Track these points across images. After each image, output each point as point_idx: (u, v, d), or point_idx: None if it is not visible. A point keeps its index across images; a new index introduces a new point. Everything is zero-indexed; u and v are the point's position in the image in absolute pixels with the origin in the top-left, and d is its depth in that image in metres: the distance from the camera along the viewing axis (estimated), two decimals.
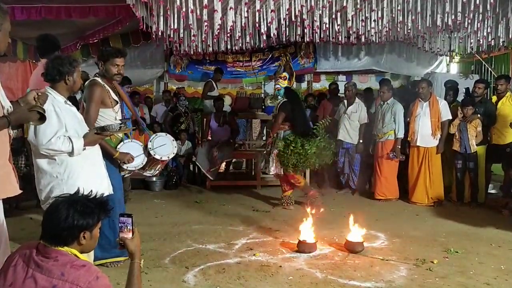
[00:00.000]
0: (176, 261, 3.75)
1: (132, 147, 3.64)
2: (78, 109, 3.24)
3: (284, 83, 5.52)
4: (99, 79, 3.53)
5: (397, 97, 6.34)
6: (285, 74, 5.53)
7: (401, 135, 5.98)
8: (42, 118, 2.34)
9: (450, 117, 5.85)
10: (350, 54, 9.10)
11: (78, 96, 5.40)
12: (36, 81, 3.93)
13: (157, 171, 4.02)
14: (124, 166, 3.64)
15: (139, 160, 3.67)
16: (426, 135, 5.88)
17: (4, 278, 1.71)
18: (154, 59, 8.93)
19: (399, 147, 5.99)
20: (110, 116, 3.54)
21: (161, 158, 3.74)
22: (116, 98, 3.63)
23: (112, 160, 3.55)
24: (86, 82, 3.57)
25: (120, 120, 3.56)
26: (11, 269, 1.72)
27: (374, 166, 6.33)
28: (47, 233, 1.75)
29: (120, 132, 3.48)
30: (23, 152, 5.51)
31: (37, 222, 4.80)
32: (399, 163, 6.13)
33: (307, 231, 4.10)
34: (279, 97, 5.56)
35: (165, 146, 3.79)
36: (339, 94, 7.67)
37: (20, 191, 2.43)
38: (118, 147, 3.58)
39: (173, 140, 3.88)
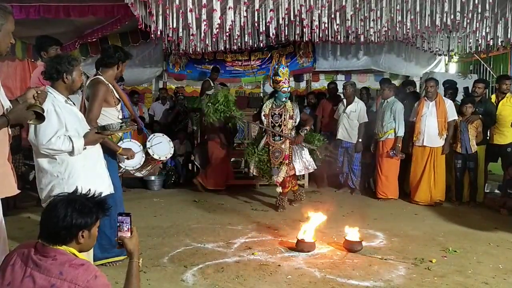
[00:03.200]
0: (174, 260, 3.75)
1: (130, 147, 3.64)
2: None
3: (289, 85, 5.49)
4: (102, 78, 3.53)
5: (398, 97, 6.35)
6: (288, 77, 5.43)
7: (401, 133, 5.97)
8: (41, 117, 2.31)
9: (456, 117, 5.78)
10: (349, 53, 9.11)
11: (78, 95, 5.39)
12: (35, 81, 3.93)
13: (147, 172, 4.04)
14: (122, 165, 3.64)
15: (137, 160, 3.67)
16: (432, 135, 5.82)
17: (2, 277, 1.71)
18: (153, 58, 8.93)
19: (399, 145, 5.98)
20: (113, 115, 3.53)
21: (159, 158, 3.76)
22: (118, 97, 3.64)
23: (113, 159, 3.55)
24: (89, 81, 3.56)
25: (121, 119, 3.57)
26: (9, 268, 1.72)
27: (375, 165, 6.33)
28: (45, 232, 1.75)
29: (120, 132, 3.47)
30: (21, 151, 5.50)
31: (35, 221, 4.80)
32: (400, 162, 6.14)
33: (306, 230, 4.11)
34: (288, 99, 5.46)
35: (162, 146, 3.81)
36: (338, 94, 7.68)
37: (19, 191, 2.42)
38: None
39: (170, 141, 3.92)
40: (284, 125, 5.41)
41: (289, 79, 5.49)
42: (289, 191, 5.73)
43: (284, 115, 5.42)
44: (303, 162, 5.53)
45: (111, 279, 2.86)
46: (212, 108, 5.56)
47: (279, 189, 5.59)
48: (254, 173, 5.71)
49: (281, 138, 5.44)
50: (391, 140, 6.05)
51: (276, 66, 5.43)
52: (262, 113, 5.51)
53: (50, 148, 2.82)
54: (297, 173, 5.58)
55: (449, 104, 5.87)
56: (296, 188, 5.83)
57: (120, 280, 2.91)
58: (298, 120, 5.50)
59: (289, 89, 5.43)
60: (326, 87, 8.56)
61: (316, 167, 5.68)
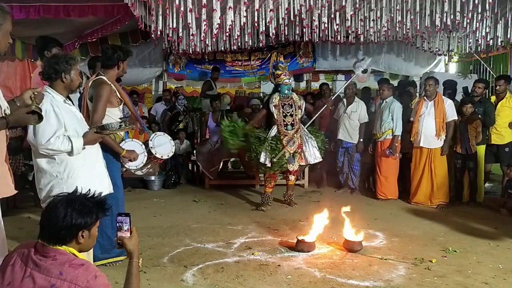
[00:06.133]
0: (174, 260, 3.75)
1: (133, 146, 3.65)
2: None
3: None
4: (105, 78, 3.53)
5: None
6: (287, 71, 5.64)
7: (398, 132, 5.94)
8: (40, 117, 2.32)
9: (456, 118, 5.69)
10: (349, 53, 9.11)
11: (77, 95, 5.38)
12: (36, 81, 3.92)
13: (147, 170, 4.05)
14: (126, 165, 3.64)
15: (140, 160, 3.68)
16: (430, 136, 5.73)
17: (2, 277, 1.71)
18: (153, 58, 8.94)
19: (396, 144, 5.96)
20: (115, 116, 3.53)
21: (162, 157, 3.78)
22: (120, 97, 3.64)
23: (116, 159, 3.55)
24: (92, 81, 3.55)
25: (120, 118, 3.56)
26: (9, 268, 1.72)
27: (374, 165, 6.32)
28: (45, 232, 1.75)
29: (120, 131, 3.47)
30: (22, 151, 5.50)
31: (35, 221, 4.80)
32: (400, 162, 6.12)
33: (306, 230, 4.11)
34: (291, 91, 5.61)
35: (164, 145, 3.83)
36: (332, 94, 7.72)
37: (16, 191, 2.42)
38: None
39: (171, 140, 3.94)
40: (296, 115, 5.56)
41: (288, 74, 5.63)
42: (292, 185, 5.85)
43: (294, 105, 5.58)
44: (313, 153, 5.62)
45: (111, 279, 2.86)
46: (229, 136, 5.56)
47: (292, 178, 5.75)
48: (265, 162, 5.38)
49: (293, 127, 5.49)
50: (389, 140, 6.01)
51: (275, 63, 5.63)
52: (272, 104, 5.52)
53: (49, 148, 2.82)
54: (311, 162, 5.70)
55: (448, 104, 5.75)
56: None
57: (120, 280, 2.91)
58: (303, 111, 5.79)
59: (290, 80, 5.57)
60: (317, 88, 8.56)
61: (321, 159, 5.76)
